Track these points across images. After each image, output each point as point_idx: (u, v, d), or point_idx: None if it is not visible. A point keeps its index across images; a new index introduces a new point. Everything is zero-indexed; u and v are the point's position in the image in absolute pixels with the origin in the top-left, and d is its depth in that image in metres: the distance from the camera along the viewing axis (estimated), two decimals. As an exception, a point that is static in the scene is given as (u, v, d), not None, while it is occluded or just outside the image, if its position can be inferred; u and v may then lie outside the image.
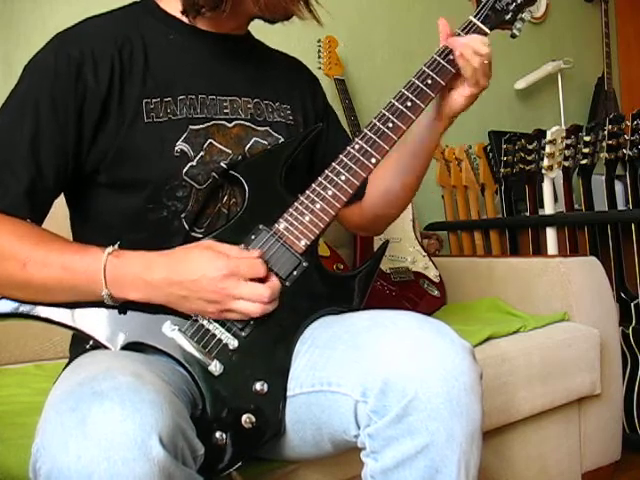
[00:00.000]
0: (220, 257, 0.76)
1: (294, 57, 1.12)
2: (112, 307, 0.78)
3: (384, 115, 0.90)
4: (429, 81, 0.91)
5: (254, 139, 0.94)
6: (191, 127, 0.88)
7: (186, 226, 0.88)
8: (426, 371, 0.71)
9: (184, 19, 0.93)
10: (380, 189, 1.03)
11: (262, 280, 0.78)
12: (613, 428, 1.51)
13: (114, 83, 0.85)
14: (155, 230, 0.87)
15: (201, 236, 0.88)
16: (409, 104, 0.91)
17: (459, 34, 0.93)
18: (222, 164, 0.89)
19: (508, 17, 0.97)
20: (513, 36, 0.99)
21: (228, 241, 0.83)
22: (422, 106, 0.91)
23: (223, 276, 0.75)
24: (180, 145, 0.87)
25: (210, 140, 0.89)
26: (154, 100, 0.87)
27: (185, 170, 0.86)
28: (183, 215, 0.87)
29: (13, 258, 0.76)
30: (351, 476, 0.99)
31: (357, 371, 0.74)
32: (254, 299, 0.77)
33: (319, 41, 2.03)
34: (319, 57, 2.02)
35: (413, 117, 0.91)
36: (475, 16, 0.95)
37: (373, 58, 2.30)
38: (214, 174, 0.88)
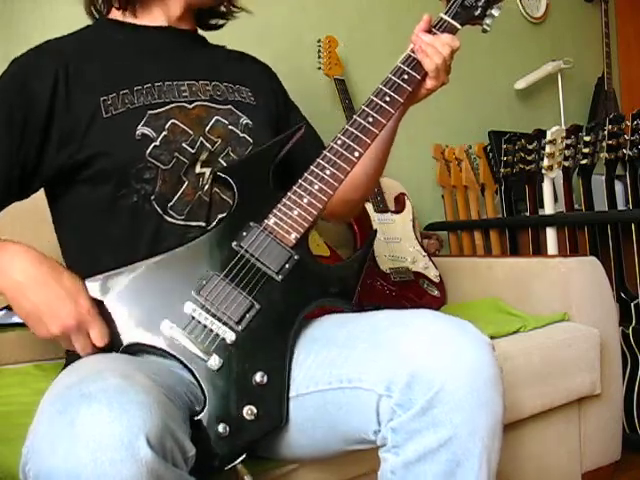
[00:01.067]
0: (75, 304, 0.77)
1: (252, 55, 1.16)
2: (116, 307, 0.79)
3: (364, 111, 0.94)
4: (405, 76, 0.97)
5: (215, 118, 0.97)
6: (150, 112, 0.92)
7: (158, 209, 0.90)
8: (451, 363, 0.72)
9: (133, 21, 1.00)
10: (352, 181, 1.04)
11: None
12: (613, 428, 1.51)
13: (59, 88, 0.90)
14: (128, 217, 0.90)
15: (181, 223, 0.90)
16: (388, 99, 0.95)
17: (432, 31, 0.98)
18: (183, 145, 0.92)
19: (477, 13, 1.01)
20: (484, 31, 1.04)
21: (221, 240, 0.86)
22: (400, 100, 0.96)
23: (69, 325, 0.76)
24: (141, 129, 0.90)
25: (172, 120, 0.93)
26: (111, 96, 0.91)
27: (149, 151, 0.89)
28: (153, 197, 0.90)
29: None
30: (352, 476, 0.99)
31: (380, 366, 0.75)
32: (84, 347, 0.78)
33: (319, 41, 2.03)
34: (319, 57, 2.02)
35: (392, 111, 0.95)
36: (446, 13, 1.00)
37: (373, 58, 2.29)
38: (177, 154, 0.91)
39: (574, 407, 1.43)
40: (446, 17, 1.00)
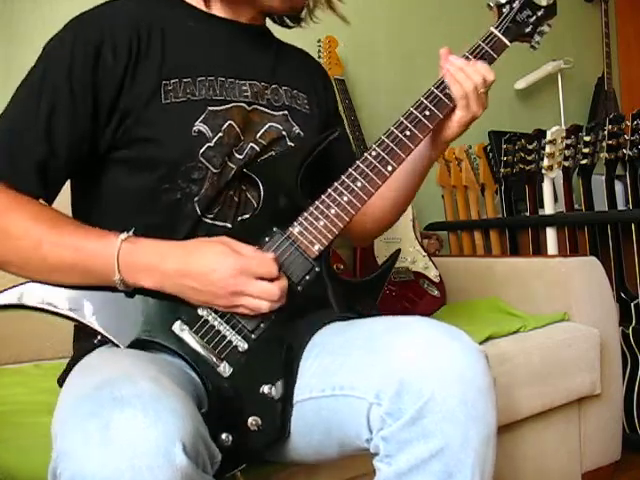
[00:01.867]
0: (232, 254, 0.77)
1: (310, 54, 1.13)
2: (126, 294, 0.78)
3: (402, 123, 0.90)
4: (447, 90, 0.92)
5: (269, 124, 0.94)
6: (210, 108, 0.88)
7: (198, 211, 0.86)
8: (442, 372, 0.71)
9: (202, 7, 0.94)
10: (371, 205, 1.02)
11: (272, 279, 0.78)
12: (613, 428, 1.51)
13: (131, 62, 0.85)
14: (166, 213, 0.87)
15: (210, 221, 0.87)
16: (427, 113, 0.91)
17: (467, 57, 0.93)
18: (233, 150, 0.89)
19: (528, 30, 0.98)
20: (533, 48, 1.00)
21: (242, 242, 0.82)
22: (440, 115, 0.92)
23: (233, 272, 0.75)
24: (198, 125, 0.86)
25: (230, 122, 0.89)
26: (172, 81, 0.87)
27: (202, 151, 0.86)
28: (197, 199, 0.86)
29: (28, 238, 0.76)
30: (351, 476, 0.99)
31: (371, 374, 0.74)
32: (263, 297, 0.77)
33: (319, 41, 2.03)
34: (319, 57, 2.02)
35: (430, 126, 0.91)
36: (496, 28, 0.96)
37: (373, 58, 2.29)
38: (227, 159, 0.88)
39: (574, 407, 1.43)
40: (496, 32, 0.95)
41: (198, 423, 0.64)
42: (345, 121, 1.90)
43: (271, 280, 0.78)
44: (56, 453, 0.60)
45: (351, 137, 1.89)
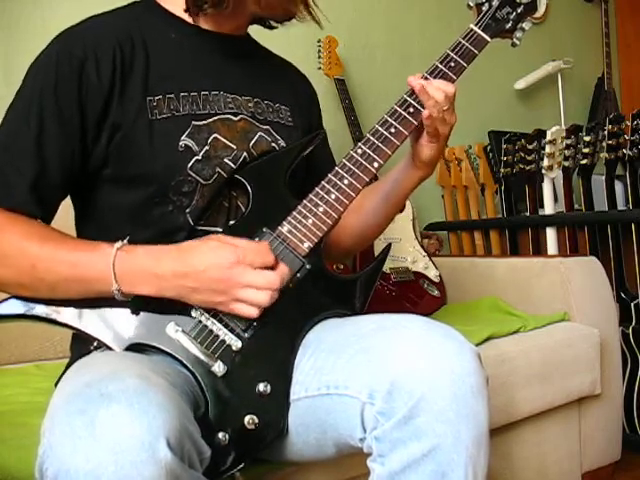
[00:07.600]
0: (227, 247, 0.77)
1: (296, 67, 1.13)
2: (120, 305, 0.78)
3: (387, 121, 0.91)
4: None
5: (259, 134, 0.95)
6: (194, 123, 0.89)
7: (191, 221, 0.88)
8: (433, 372, 0.71)
9: (186, 18, 0.94)
10: (348, 227, 1.04)
11: (271, 268, 0.79)
12: (613, 428, 1.51)
13: (116, 79, 0.85)
14: (160, 226, 0.87)
15: (201, 228, 0.88)
16: (411, 110, 0.91)
17: (426, 77, 0.91)
18: (226, 160, 0.90)
19: (509, 26, 0.98)
20: (513, 45, 1.00)
21: None
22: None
23: (231, 264, 0.75)
24: (184, 140, 0.87)
25: (215, 135, 0.90)
26: (157, 97, 0.87)
27: (190, 165, 0.87)
28: (188, 210, 0.87)
29: (22, 258, 0.76)
30: (350, 476, 0.99)
31: (365, 373, 0.74)
32: (263, 286, 0.77)
33: (319, 41, 2.03)
34: (319, 57, 2.02)
35: (415, 122, 0.91)
36: (476, 24, 0.96)
37: (373, 58, 2.30)
38: (219, 170, 0.89)
39: (574, 407, 1.43)
40: (476, 29, 0.95)
41: (185, 419, 0.64)
42: (345, 121, 1.91)
43: (269, 268, 0.78)
44: (42, 449, 0.60)
45: (351, 137, 1.89)
